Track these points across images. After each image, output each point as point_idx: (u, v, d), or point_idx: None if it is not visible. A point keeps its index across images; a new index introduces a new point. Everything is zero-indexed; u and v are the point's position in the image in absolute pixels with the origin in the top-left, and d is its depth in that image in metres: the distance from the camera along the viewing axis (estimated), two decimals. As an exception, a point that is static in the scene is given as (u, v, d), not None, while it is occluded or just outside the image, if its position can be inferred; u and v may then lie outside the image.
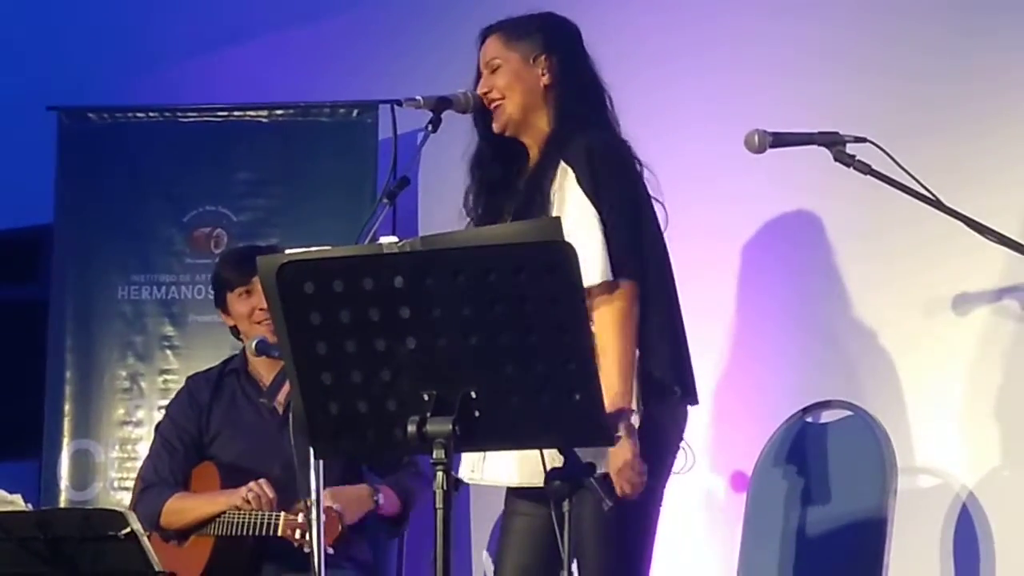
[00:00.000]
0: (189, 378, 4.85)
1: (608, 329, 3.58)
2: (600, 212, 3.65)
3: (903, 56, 4.71)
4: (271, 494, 4.41)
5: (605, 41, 5.19)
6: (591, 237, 3.62)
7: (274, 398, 4.53)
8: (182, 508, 4.54)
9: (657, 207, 3.81)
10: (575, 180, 3.67)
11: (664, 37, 5.17)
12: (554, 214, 3.65)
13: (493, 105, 3.80)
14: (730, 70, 4.99)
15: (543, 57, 3.82)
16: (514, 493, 3.81)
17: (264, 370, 4.64)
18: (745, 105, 4.78)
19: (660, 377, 3.68)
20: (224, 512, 4.46)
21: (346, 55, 5.85)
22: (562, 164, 3.71)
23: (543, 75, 3.82)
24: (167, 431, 4.70)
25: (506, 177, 3.85)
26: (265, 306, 4.45)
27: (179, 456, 4.65)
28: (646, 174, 3.81)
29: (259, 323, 4.52)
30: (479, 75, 3.85)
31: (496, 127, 3.81)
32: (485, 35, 3.87)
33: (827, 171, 3.72)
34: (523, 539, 3.80)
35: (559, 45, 3.85)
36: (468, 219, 3.85)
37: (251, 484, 4.43)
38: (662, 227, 3.80)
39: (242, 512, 4.42)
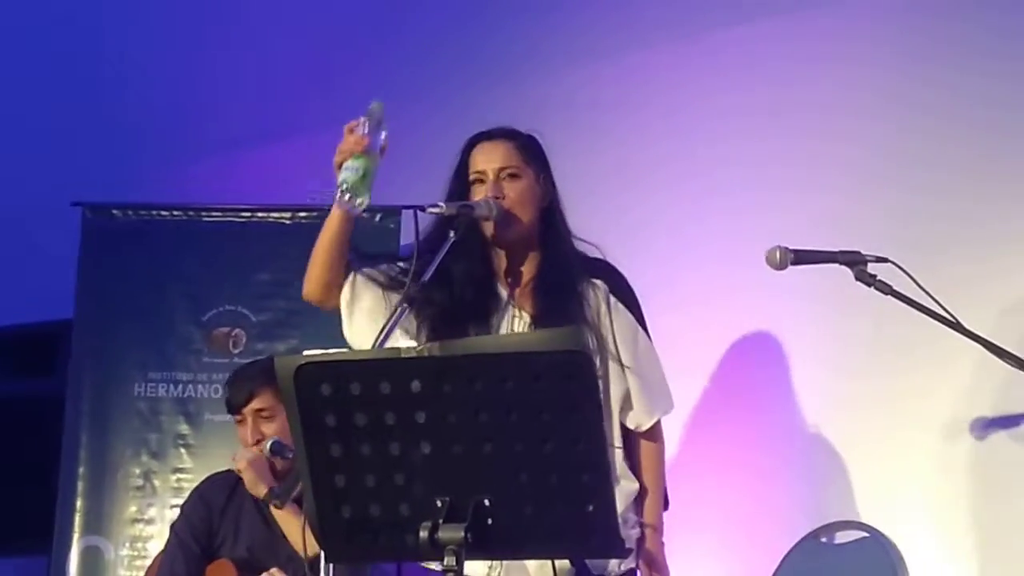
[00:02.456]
0: (203, 482, 4.75)
1: (658, 466, 3.73)
2: None
3: (926, 174, 4.73)
4: None
5: (626, 162, 5.25)
6: (659, 368, 3.76)
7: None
8: None
9: None
10: (623, 307, 3.75)
11: (684, 157, 5.20)
12: (609, 333, 3.70)
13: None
14: (749, 187, 5.02)
15: (544, 178, 3.80)
16: None
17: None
18: (765, 221, 4.79)
19: None
20: None
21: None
22: (592, 283, 3.75)
23: (544, 197, 3.79)
24: (183, 530, 4.65)
25: (477, 279, 3.77)
26: (252, 440, 4.49)
27: (195, 557, 4.60)
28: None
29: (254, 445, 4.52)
30: (466, 172, 3.78)
31: (501, 233, 3.73)
32: (490, 138, 3.81)
33: (846, 286, 3.73)
34: None
35: (548, 170, 3.83)
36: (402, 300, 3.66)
37: None
38: None
39: None
